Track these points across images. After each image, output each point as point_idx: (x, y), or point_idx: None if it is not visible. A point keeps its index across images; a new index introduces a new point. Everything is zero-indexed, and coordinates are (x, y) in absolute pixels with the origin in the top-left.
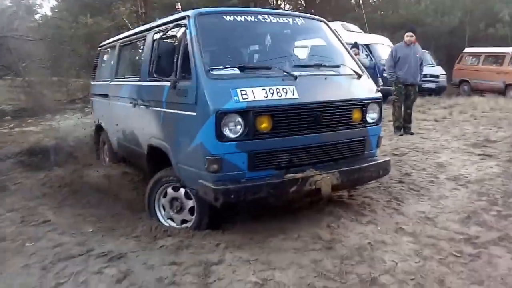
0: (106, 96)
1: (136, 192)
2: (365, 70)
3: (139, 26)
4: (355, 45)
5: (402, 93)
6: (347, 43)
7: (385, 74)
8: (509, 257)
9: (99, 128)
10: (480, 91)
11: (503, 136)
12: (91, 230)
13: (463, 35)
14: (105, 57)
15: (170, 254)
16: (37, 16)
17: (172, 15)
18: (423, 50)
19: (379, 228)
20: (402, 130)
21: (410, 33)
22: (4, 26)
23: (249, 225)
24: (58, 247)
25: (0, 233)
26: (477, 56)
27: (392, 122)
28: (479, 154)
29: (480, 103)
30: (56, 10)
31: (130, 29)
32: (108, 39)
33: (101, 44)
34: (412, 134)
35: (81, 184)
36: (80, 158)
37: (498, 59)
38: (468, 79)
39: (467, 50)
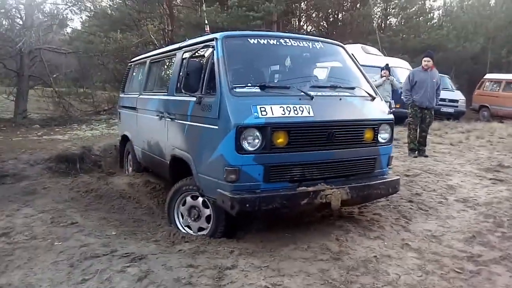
0: (134, 108)
1: (157, 200)
2: (378, 92)
3: (166, 42)
4: (387, 67)
5: (418, 116)
6: (370, 66)
7: (402, 97)
8: (508, 275)
9: (124, 139)
10: (499, 117)
11: None
12: (114, 233)
13: (485, 61)
14: (135, 72)
15: (188, 257)
16: (68, 30)
17: (201, 36)
18: (442, 75)
19: (385, 243)
20: (416, 152)
21: (428, 58)
22: (39, 39)
23: (262, 234)
24: (85, 247)
25: (32, 231)
26: (497, 82)
27: (407, 144)
28: (491, 179)
29: (498, 129)
30: (87, 25)
31: (156, 45)
32: (135, 54)
33: (132, 59)
34: (426, 156)
35: (106, 190)
36: (104, 166)
37: None
38: (488, 105)
39: (488, 76)
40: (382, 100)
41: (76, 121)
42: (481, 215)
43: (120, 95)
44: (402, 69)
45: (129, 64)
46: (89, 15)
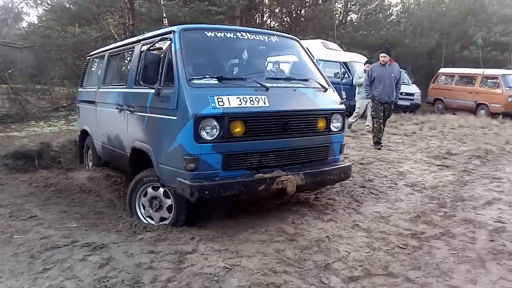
0: (93, 102)
1: (118, 193)
2: (331, 84)
3: (126, 37)
4: (369, 62)
5: (380, 109)
6: (330, 61)
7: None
8: (446, 249)
9: (84, 133)
10: (453, 109)
11: (464, 150)
12: (75, 225)
13: (440, 56)
14: (93, 66)
15: (149, 245)
16: (24, 24)
17: (159, 29)
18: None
19: (338, 224)
20: (381, 145)
21: (384, 54)
22: None
23: (223, 221)
24: (45, 238)
25: None
26: (451, 76)
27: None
28: (438, 165)
29: (451, 120)
30: (44, 19)
31: (117, 40)
32: (94, 49)
33: (90, 53)
34: (379, 149)
35: (66, 185)
36: (64, 163)
37: (470, 79)
38: (442, 98)
39: (442, 70)
40: (334, 91)
41: (33, 118)
42: (426, 197)
43: (79, 90)
44: (360, 64)
45: (88, 58)
46: (46, 8)
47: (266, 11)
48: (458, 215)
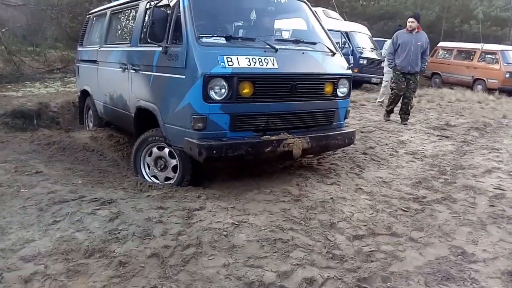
0: (94, 61)
1: (121, 153)
2: (338, 49)
3: None
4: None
5: (401, 81)
6: (330, 30)
7: (361, 62)
8: (448, 212)
9: (84, 94)
10: (450, 84)
11: (462, 122)
12: (80, 181)
13: (440, 29)
14: (94, 24)
15: (156, 201)
16: None
17: None
18: None
19: (341, 188)
20: (390, 116)
21: (412, 19)
22: None
23: (228, 183)
24: (52, 193)
25: None
26: (449, 50)
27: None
28: (438, 135)
29: (448, 94)
30: None
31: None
32: (88, 10)
33: (91, 11)
34: (406, 124)
35: (69, 143)
36: (62, 124)
37: (468, 54)
38: (439, 72)
39: (441, 44)
40: (341, 56)
41: (28, 79)
42: (427, 165)
43: (79, 49)
44: (361, 34)
45: (88, 16)
46: None
47: None
48: (459, 182)
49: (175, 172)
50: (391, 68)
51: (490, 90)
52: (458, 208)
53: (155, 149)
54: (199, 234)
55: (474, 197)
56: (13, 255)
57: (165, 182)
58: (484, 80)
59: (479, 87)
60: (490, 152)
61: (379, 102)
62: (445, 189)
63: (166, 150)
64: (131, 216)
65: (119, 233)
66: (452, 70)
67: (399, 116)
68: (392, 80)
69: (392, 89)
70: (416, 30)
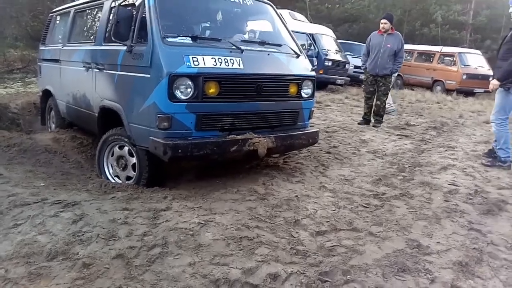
0: (57, 61)
1: (84, 154)
2: (303, 51)
3: None
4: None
5: (370, 83)
6: (297, 32)
7: (326, 63)
8: (405, 208)
9: (46, 94)
10: (411, 85)
11: (421, 122)
12: (42, 184)
13: (401, 32)
14: (57, 23)
15: (121, 203)
16: None
17: None
18: (362, 44)
19: (306, 186)
20: (363, 120)
21: (384, 20)
22: None
23: (194, 183)
24: (12, 196)
25: None
26: (410, 52)
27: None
28: (398, 135)
29: (409, 95)
30: None
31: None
32: (50, 8)
33: (54, 10)
34: (376, 126)
35: (30, 145)
36: (23, 125)
37: (428, 56)
38: (401, 74)
39: None
40: (306, 58)
41: None
42: (387, 163)
43: (41, 48)
44: (326, 36)
45: (51, 14)
46: None
47: None
48: (416, 179)
49: (135, 171)
50: (363, 70)
51: (448, 91)
52: (415, 204)
53: (116, 149)
54: (165, 234)
55: (430, 193)
56: None
57: (127, 182)
58: (442, 81)
59: (438, 88)
60: (446, 150)
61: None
62: (403, 185)
63: (126, 148)
64: (95, 218)
65: (83, 235)
66: (413, 71)
67: (372, 118)
68: (363, 83)
69: (363, 91)
70: (389, 31)
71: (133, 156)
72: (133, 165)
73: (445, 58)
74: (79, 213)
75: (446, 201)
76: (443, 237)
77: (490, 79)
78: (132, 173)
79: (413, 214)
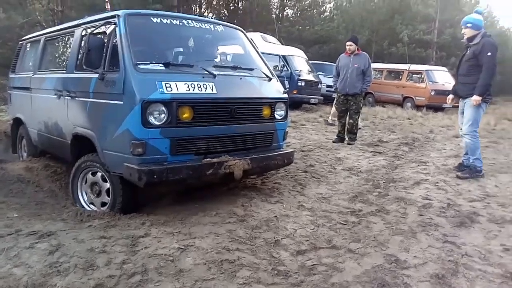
0: (27, 89)
1: (59, 183)
2: (275, 74)
3: (55, 24)
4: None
5: (341, 103)
6: (269, 54)
7: (299, 84)
8: (382, 223)
9: (17, 122)
10: (382, 102)
11: (394, 138)
12: (16, 215)
13: (370, 52)
14: (27, 51)
15: (99, 231)
16: None
17: (101, 13)
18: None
19: (284, 206)
20: (338, 138)
21: (350, 42)
22: None
23: (172, 208)
24: None
25: None
26: (380, 71)
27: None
28: (372, 151)
29: (381, 112)
30: None
31: (44, 27)
32: (19, 36)
33: (24, 37)
34: (350, 144)
35: (1, 175)
36: None
37: (397, 74)
38: (372, 92)
39: (372, 65)
40: (277, 81)
41: None
42: (362, 180)
43: (10, 76)
44: (298, 58)
45: (21, 42)
46: None
47: (204, 2)
48: (391, 194)
49: (109, 196)
50: (334, 90)
51: (418, 107)
52: (391, 219)
53: (89, 175)
54: (144, 261)
55: (405, 208)
56: None
57: (102, 208)
58: (412, 98)
59: (408, 104)
60: (418, 165)
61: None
62: (379, 201)
63: (99, 174)
64: (72, 248)
65: (60, 265)
66: (383, 89)
67: (346, 136)
68: (335, 102)
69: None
70: (356, 52)
71: (106, 182)
72: (107, 191)
73: (413, 75)
74: (55, 244)
75: (420, 215)
76: (419, 250)
77: (449, 95)
78: (106, 199)
79: (390, 229)
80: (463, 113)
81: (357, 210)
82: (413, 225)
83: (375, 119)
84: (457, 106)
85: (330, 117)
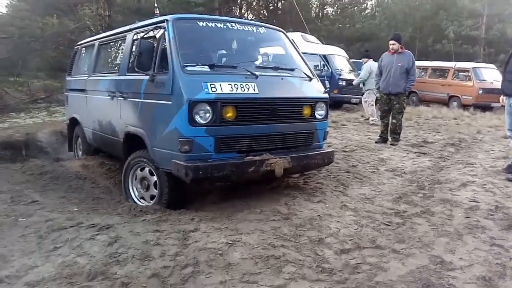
0: (83, 90)
1: (113, 180)
2: (315, 74)
3: (102, 28)
4: (366, 56)
5: (384, 102)
6: (309, 53)
7: (340, 83)
8: (427, 225)
9: (73, 122)
10: (426, 102)
11: (439, 139)
12: (76, 209)
13: (414, 49)
14: (82, 55)
15: (152, 225)
16: None
17: (151, 18)
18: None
19: (327, 205)
20: (380, 138)
21: (392, 41)
22: None
23: (218, 205)
24: (50, 221)
25: None
26: (424, 69)
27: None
28: (416, 152)
29: (425, 112)
30: (10, 9)
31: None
32: (70, 40)
33: (79, 42)
34: (394, 144)
35: (61, 172)
36: (51, 152)
37: (443, 72)
38: (416, 91)
39: (416, 63)
40: (318, 81)
41: (13, 110)
42: (407, 181)
43: (67, 78)
44: (339, 57)
45: (76, 47)
46: None
47: (243, 3)
48: (436, 196)
49: (157, 189)
50: (377, 89)
51: (465, 107)
52: (436, 221)
53: (138, 171)
54: (195, 254)
55: (451, 210)
56: (18, 281)
57: (151, 201)
58: (458, 97)
59: (455, 103)
60: (465, 167)
61: (372, 120)
62: (424, 203)
63: (147, 169)
64: (129, 240)
65: (119, 256)
66: (428, 88)
67: (389, 137)
68: (377, 101)
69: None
70: (399, 50)
71: (153, 175)
72: (155, 183)
73: (459, 73)
74: (114, 236)
75: (467, 217)
76: (465, 253)
77: (501, 96)
78: (154, 191)
79: (435, 231)
80: (511, 113)
81: (402, 211)
82: (459, 227)
83: (419, 119)
84: None
85: (370, 118)
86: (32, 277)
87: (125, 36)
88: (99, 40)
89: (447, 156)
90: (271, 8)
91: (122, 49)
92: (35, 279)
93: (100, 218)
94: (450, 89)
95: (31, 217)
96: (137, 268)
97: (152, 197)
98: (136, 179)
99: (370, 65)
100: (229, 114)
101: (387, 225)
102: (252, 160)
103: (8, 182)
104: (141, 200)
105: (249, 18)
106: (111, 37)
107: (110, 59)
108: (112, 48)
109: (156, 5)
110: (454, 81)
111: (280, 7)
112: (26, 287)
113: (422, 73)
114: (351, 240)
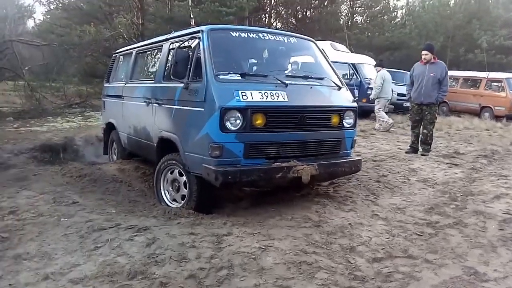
0: (120, 96)
1: (148, 184)
2: (344, 83)
3: (135, 36)
4: (379, 65)
5: (415, 112)
6: (338, 62)
7: (369, 92)
8: (459, 236)
9: (109, 126)
10: (457, 112)
11: (471, 150)
12: (114, 211)
13: (445, 58)
14: (120, 63)
15: (187, 228)
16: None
17: (186, 29)
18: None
19: (358, 214)
20: (411, 149)
21: (425, 51)
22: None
23: (250, 210)
24: (90, 222)
25: (37, 210)
26: (456, 79)
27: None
28: (447, 163)
29: (456, 122)
30: (48, 16)
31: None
32: (105, 48)
33: (117, 50)
34: (424, 155)
35: (99, 175)
36: (87, 156)
37: (475, 82)
38: (446, 101)
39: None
40: (347, 90)
41: (50, 114)
42: (438, 192)
43: (105, 85)
44: (368, 66)
45: (114, 55)
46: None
47: (272, 12)
48: (469, 208)
49: (186, 188)
50: (408, 99)
51: (497, 118)
52: (469, 232)
53: (168, 174)
54: (229, 257)
55: (484, 222)
56: (62, 278)
57: (182, 202)
58: (491, 107)
59: (487, 114)
60: (498, 179)
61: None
62: (456, 214)
63: (176, 171)
64: (166, 242)
65: (157, 257)
66: (459, 98)
67: (420, 147)
68: (409, 112)
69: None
70: (432, 61)
71: (182, 176)
72: (184, 183)
73: (492, 83)
74: (151, 237)
75: (501, 229)
76: (500, 264)
77: None
78: (185, 191)
79: (468, 242)
80: None
81: (434, 222)
82: (493, 239)
83: (450, 130)
84: None
85: (380, 123)
86: (75, 275)
87: (162, 46)
88: (137, 48)
89: (479, 167)
90: (299, 16)
91: (159, 57)
92: (78, 277)
93: (137, 220)
94: (482, 100)
95: (73, 217)
96: (175, 269)
97: (183, 197)
98: (167, 182)
99: (383, 74)
100: (259, 121)
101: (419, 235)
102: (280, 166)
103: (50, 183)
104: (173, 202)
105: (278, 27)
106: (148, 46)
107: (146, 67)
108: (149, 57)
109: (192, 16)
110: (486, 92)
111: (309, 15)
112: (70, 284)
113: (453, 83)
114: (383, 249)
